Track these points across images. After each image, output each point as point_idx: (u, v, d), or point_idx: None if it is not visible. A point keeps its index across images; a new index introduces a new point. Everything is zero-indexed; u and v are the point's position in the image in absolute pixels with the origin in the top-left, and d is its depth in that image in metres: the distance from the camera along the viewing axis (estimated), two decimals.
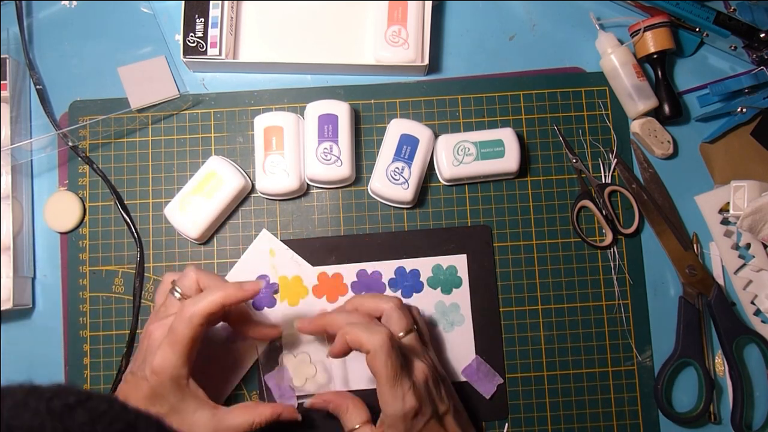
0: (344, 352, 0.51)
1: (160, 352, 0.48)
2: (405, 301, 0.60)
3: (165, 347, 0.48)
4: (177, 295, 0.52)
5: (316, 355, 0.59)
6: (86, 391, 0.24)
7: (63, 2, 0.66)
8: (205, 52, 0.62)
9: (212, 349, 0.59)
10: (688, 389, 0.62)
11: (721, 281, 0.63)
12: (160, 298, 0.54)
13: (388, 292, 0.61)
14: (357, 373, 0.60)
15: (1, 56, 0.62)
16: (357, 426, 0.52)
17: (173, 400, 0.49)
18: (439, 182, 0.63)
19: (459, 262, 0.62)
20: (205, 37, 0.62)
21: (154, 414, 0.25)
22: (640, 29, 0.63)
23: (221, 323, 0.59)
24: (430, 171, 0.63)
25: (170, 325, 0.49)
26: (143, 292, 0.62)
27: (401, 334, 0.53)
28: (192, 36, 0.62)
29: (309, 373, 0.59)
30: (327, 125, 0.60)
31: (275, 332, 0.57)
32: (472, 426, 0.56)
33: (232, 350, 0.60)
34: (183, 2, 0.62)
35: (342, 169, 0.60)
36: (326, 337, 0.59)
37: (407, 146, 0.61)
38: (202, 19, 0.62)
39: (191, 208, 0.60)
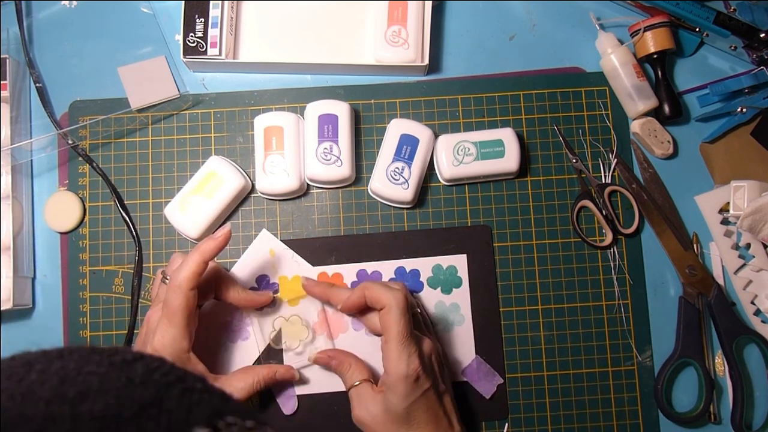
0: (358, 307, 0.53)
1: (158, 330, 0.50)
2: None
3: (163, 323, 0.50)
4: (167, 282, 0.53)
5: (305, 317, 0.60)
6: (138, 351, 0.27)
7: (63, 2, 0.66)
8: (205, 52, 0.62)
9: (213, 350, 0.59)
10: (688, 389, 0.62)
11: (721, 281, 0.63)
12: (155, 292, 0.56)
13: None
14: (338, 331, 0.60)
15: (1, 56, 0.62)
16: (357, 383, 0.54)
17: None
18: (439, 182, 0.63)
19: (459, 262, 0.62)
20: (205, 37, 0.62)
21: (199, 372, 0.27)
22: (640, 29, 0.63)
23: (220, 319, 0.60)
24: (430, 171, 0.63)
25: (164, 302, 0.51)
26: (142, 292, 0.62)
27: None
28: (192, 36, 0.62)
29: (302, 335, 0.59)
30: (327, 125, 0.60)
31: (265, 298, 0.58)
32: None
33: (231, 350, 0.60)
34: (183, 2, 0.62)
35: (342, 169, 0.60)
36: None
37: (407, 146, 0.61)
38: (202, 19, 0.62)
39: (191, 208, 0.60)
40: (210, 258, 0.51)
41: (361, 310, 0.55)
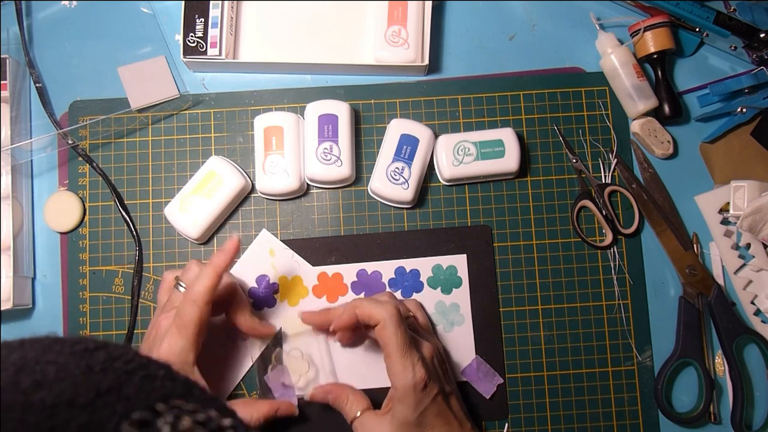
0: (350, 326, 0.53)
1: (167, 338, 0.49)
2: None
3: (173, 332, 0.49)
4: (182, 289, 0.53)
5: (306, 351, 0.60)
6: (103, 340, 0.27)
7: (63, 2, 0.66)
8: (205, 52, 0.62)
9: (211, 350, 0.59)
10: (688, 389, 0.62)
11: (721, 281, 0.63)
12: (164, 295, 0.55)
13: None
14: (342, 364, 0.60)
15: (1, 56, 0.62)
16: (358, 414, 0.53)
17: None
18: (439, 182, 0.63)
19: (459, 262, 0.62)
20: (205, 37, 0.62)
21: (163, 360, 0.28)
22: (640, 29, 0.63)
23: (221, 322, 0.60)
24: (430, 171, 0.63)
25: (177, 311, 0.50)
26: (142, 292, 0.62)
27: None
28: (192, 36, 0.62)
29: (302, 370, 0.59)
30: (327, 125, 0.60)
31: (266, 331, 0.57)
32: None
33: (230, 351, 0.60)
34: (183, 2, 0.62)
35: (342, 169, 0.60)
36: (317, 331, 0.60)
37: (407, 146, 0.61)
38: (202, 19, 0.62)
39: (191, 208, 0.60)
40: (222, 270, 0.51)
41: (358, 329, 0.54)
